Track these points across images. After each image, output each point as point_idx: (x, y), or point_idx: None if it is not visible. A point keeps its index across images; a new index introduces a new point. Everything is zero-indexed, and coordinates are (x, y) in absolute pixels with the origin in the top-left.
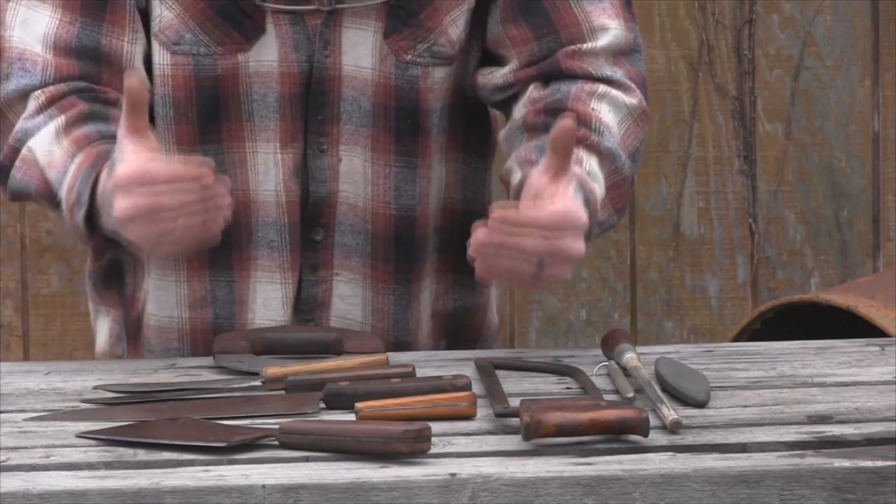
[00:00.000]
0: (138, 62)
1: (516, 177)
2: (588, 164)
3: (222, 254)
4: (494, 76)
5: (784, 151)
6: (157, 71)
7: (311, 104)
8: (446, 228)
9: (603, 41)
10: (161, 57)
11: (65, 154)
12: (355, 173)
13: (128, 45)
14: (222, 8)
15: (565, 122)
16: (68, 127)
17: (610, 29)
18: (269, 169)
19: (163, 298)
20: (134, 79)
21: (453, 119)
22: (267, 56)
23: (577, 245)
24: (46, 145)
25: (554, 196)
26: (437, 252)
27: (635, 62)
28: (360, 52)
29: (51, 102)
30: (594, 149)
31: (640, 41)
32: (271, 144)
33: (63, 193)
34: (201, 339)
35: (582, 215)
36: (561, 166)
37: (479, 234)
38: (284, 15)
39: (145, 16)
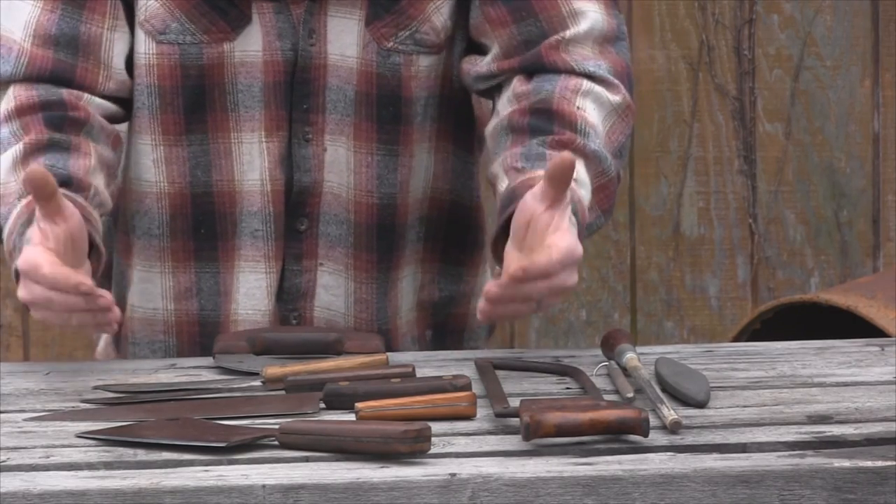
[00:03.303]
0: (118, 49)
1: (503, 185)
2: (575, 170)
3: (208, 245)
4: (479, 64)
5: (784, 151)
6: (142, 61)
7: (297, 93)
8: (433, 218)
9: (584, 25)
10: (147, 46)
11: (16, 191)
12: (339, 163)
13: (107, 32)
14: None
15: (565, 156)
16: (25, 157)
17: (588, 13)
18: (253, 158)
19: (148, 290)
20: (33, 170)
21: (443, 109)
22: (252, 46)
23: (573, 278)
24: (2, 175)
25: (552, 230)
26: (422, 241)
27: (621, 51)
28: (345, 40)
29: (20, 113)
30: (580, 152)
31: (624, 28)
32: (256, 134)
33: (5, 235)
34: (186, 331)
35: (579, 250)
36: (557, 198)
37: (492, 291)
38: (269, 4)
39: (130, 8)
